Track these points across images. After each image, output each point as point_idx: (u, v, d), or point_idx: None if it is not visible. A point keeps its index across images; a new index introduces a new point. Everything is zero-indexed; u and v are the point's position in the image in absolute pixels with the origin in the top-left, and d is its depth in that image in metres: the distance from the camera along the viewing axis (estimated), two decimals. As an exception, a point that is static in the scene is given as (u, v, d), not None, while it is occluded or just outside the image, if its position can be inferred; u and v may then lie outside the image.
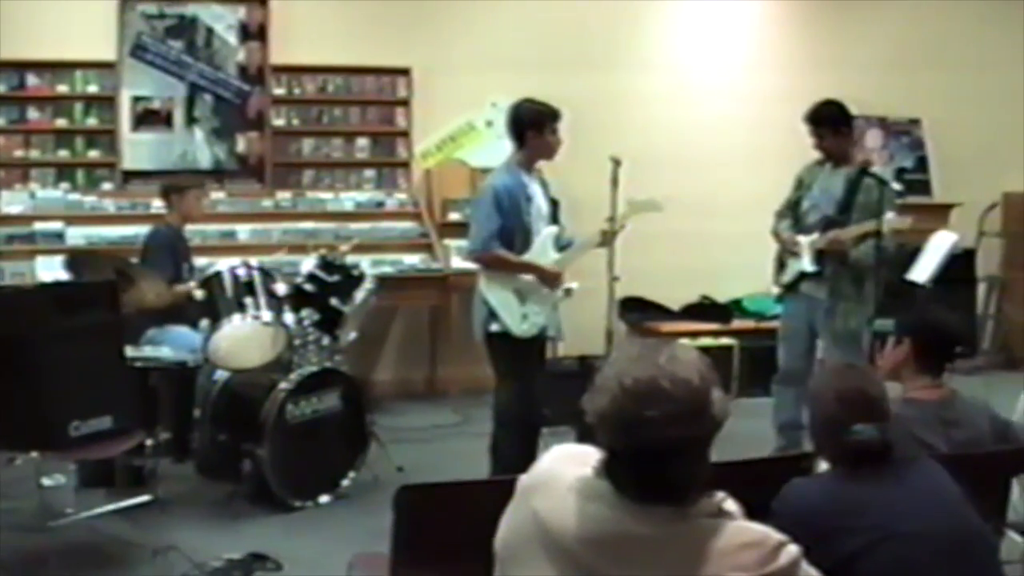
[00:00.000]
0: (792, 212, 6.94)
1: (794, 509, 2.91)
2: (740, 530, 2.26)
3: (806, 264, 6.71)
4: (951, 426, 3.85)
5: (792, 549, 2.27)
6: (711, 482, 2.28)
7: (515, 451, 5.96)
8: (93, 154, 8.81)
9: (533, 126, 6.13)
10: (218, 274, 6.54)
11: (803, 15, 10.36)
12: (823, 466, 3.23)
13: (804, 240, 6.72)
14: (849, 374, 3.24)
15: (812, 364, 6.77)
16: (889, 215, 6.38)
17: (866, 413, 3.06)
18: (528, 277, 6.14)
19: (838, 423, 3.05)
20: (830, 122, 6.69)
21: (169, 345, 6.62)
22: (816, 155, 6.82)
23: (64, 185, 8.70)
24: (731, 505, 2.30)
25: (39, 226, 8.38)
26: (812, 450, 3.26)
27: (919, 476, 3.03)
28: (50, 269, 7.72)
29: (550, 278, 6.18)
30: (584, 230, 6.46)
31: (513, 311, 6.10)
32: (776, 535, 2.28)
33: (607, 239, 6.29)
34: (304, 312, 6.69)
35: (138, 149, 8.82)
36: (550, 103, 6.21)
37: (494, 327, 6.13)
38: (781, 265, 6.98)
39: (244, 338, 6.47)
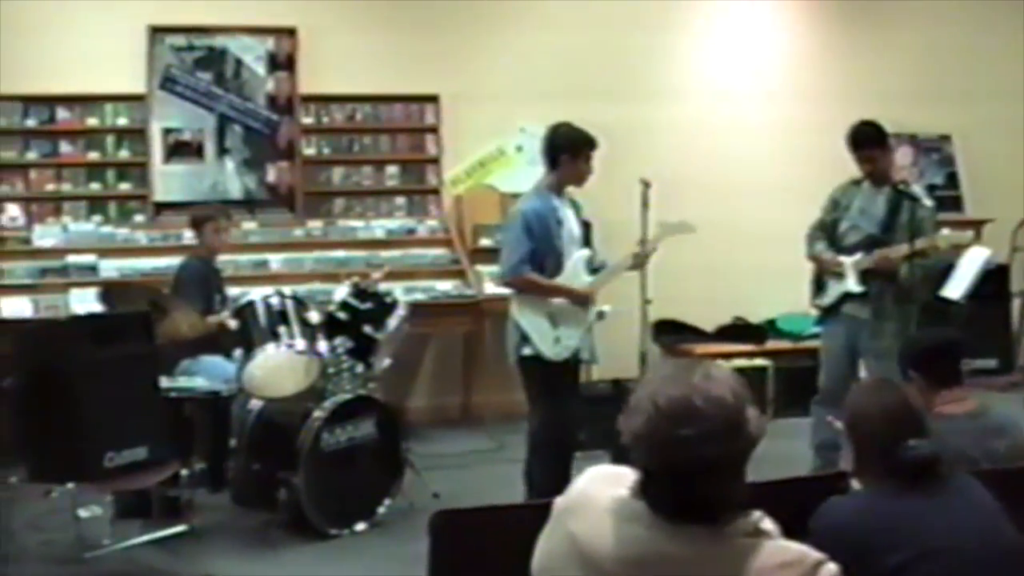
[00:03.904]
0: (827, 233, 6.85)
1: (831, 527, 2.89)
2: (778, 549, 2.25)
3: (851, 284, 6.57)
4: (991, 435, 3.82)
5: (831, 567, 2.26)
6: (748, 501, 2.27)
7: (549, 475, 5.93)
8: (125, 187, 8.87)
9: (568, 150, 6.12)
10: (251, 304, 6.55)
11: (834, 41, 10.34)
12: (855, 485, 3.20)
13: (848, 260, 6.59)
14: (891, 391, 3.21)
15: (851, 385, 6.70)
16: (945, 231, 6.32)
17: (916, 429, 3.04)
18: (560, 300, 6.12)
19: (888, 440, 3.01)
20: (878, 141, 6.58)
21: (203, 375, 6.66)
22: (847, 176, 6.78)
23: (96, 218, 8.76)
24: (768, 524, 2.29)
25: (72, 259, 8.41)
26: (848, 469, 3.23)
27: (956, 491, 3.00)
28: (84, 302, 7.78)
29: (581, 299, 6.15)
30: (615, 254, 6.44)
31: (545, 334, 6.08)
32: (814, 553, 2.26)
33: (639, 261, 6.28)
34: (338, 340, 6.70)
35: (169, 181, 8.88)
36: (588, 131, 6.17)
37: (526, 351, 6.11)
38: (819, 286, 6.87)
39: (278, 367, 6.47)
